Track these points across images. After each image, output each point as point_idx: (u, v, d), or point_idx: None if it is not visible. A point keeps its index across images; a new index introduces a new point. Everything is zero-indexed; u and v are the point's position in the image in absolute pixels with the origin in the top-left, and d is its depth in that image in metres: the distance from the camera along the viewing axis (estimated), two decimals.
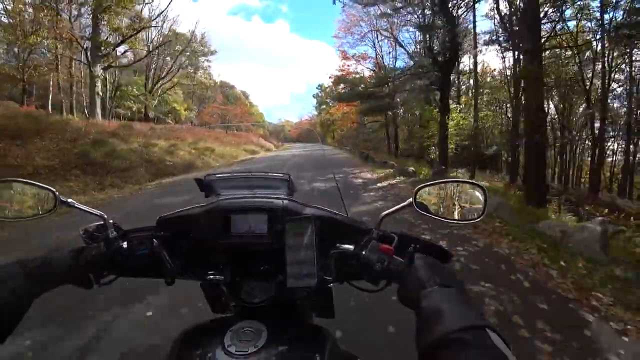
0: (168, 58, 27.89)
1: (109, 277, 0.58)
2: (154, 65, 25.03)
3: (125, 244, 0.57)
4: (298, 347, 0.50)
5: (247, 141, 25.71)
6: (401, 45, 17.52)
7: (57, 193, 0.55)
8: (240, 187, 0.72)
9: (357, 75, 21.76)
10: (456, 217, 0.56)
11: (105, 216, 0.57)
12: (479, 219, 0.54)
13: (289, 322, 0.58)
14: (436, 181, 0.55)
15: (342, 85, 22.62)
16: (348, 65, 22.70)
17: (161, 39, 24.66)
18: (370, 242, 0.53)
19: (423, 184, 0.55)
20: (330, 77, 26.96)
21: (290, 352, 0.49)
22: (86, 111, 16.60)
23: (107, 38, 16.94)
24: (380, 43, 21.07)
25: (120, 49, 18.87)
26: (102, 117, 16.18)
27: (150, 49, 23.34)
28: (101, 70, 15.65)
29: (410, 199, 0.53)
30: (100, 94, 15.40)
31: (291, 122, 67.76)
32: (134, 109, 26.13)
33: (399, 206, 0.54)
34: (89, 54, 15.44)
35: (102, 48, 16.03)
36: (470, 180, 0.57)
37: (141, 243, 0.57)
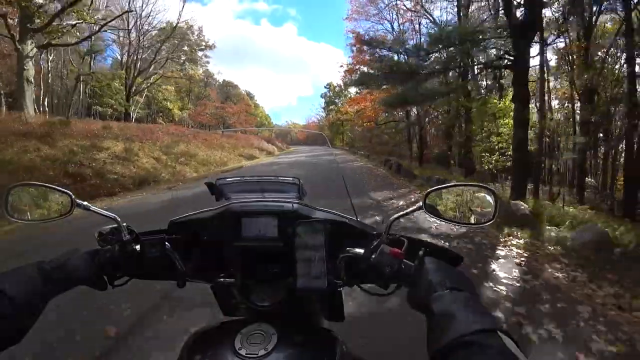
0: (161, 50, 24.05)
1: (123, 278, 0.61)
2: (135, 57, 21.46)
3: (138, 247, 0.60)
4: (308, 351, 0.52)
5: (246, 144, 23.65)
6: (433, 21, 13.36)
7: (73, 196, 0.59)
8: (250, 190, 0.75)
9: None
10: (466, 220, 0.58)
11: (119, 219, 0.60)
12: (489, 223, 0.57)
13: (299, 325, 0.60)
14: (446, 185, 0.58)
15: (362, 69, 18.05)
16: (364, 52, 18.75)
17: (148, 28, 21.11)
18: (380, 246, 0.56)
19: (433, 188, 0.57)
20: (341, 66, 25.30)
21: (299, 356, 0.51)
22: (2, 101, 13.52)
23: (43, 5, 12.54)
24: (400, 26, 16.98)
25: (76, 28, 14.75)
26: (67, 113, 12.25)
27: (132, 36, 19.83)
28: (34, 49, 11.81)
29: (420, 202, 0.56)
30: (32, 80, 11.65)
31: (298, 124, 64.71)
32: (115, 107, 22.53)
33: (409, 210, 0.57)
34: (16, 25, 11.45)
35: (36, 18, 11.82)
36: (479, 184, 0.59)
37: (153, 246, 0.60)
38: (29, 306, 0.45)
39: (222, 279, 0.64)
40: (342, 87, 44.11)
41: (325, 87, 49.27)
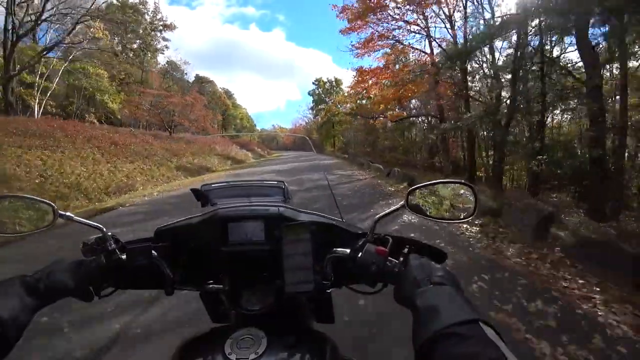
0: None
1: (109, 289, 0.61)
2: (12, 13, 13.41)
3: (124, 256, 0.60)
4: (298, 353, 0.52)
5: (202, 150, 17.79)
6: None
7: (55, 207, 0.58)
8: (236, 195, 0.75)
9: None
10: (448, 216, 0.60)
11: (104, 229, 0.60)
12: (470, 218, 0.59)
13: (289, 328, 0.60)
14: (427, 183, 0.59)
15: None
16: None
17: None
18: (366, 245, 0.57)
19: (415, 186, 0.59)
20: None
21: (290, 358, 0.51)
22: None
23: None
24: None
25: None
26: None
27: None
28: None
29: (403, 202, 0.57)
30: None
31: (286, 128, 58.32)
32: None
33: (392, 209, 0.58)
34: None
35: None
36: (459, 180, 0.61)
37: (140, 254, 0.60)
38: (13, 321, 0.44)
39: (210, 286, 0.64)
40: (334, 82, 37.58)
41: (313, 84, 43.36)
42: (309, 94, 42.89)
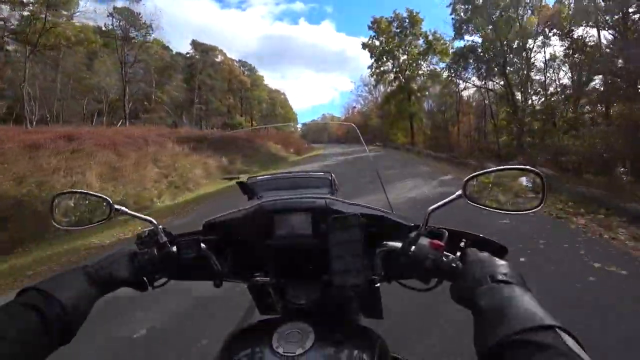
0: None
1: (162, 279, 0.63)
2: None
3: (174, 248, 0.61)
4: (345, 349, 0.51)
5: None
6: None
7: (111, 202, 0.62)
8: (282, 188, 0.75)
9: None
10: (511, 207, 0.55)
11: (156, 222, 0.62)
12: (537, 208, 0.52)
13: (336, 323, 0.59)
14: (487, 170, 0.55)
15: None
16: None
17: None
18: (419, 239, 0.54)
19: (473, 174, 0.54)
20: None
21: (337, 354, 0.51)
22: None
23: None
24: None
25: None
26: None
27: None
28: None
29: (460, 191, 0.53)
30: None
31: (338, 117, 45.89)
32: None
33: (448, 199, 0.54)
34: None
35: None
36: (525, 167, 0.54)
37: (189, 247, 0.61)
38: (77, 308, 0.47)
39: (257, 278, 0.64)
40: (407, 20, 22.31)
41: (369, 28, 24.51)
42: (363, 47, 24.35)
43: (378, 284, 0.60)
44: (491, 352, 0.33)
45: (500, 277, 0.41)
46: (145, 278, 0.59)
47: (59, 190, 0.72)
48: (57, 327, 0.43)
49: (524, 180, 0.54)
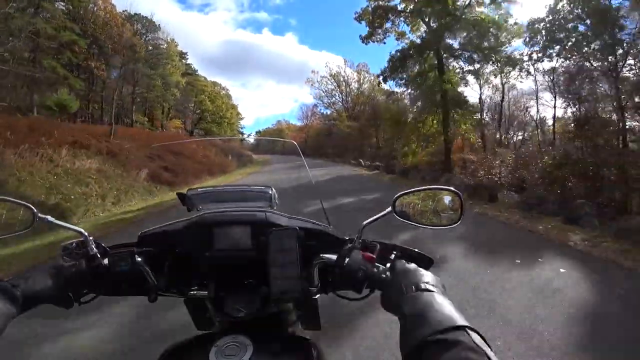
0: None
1: (90, 295, 0.60)
2: None
3: (106, 261, 0.58)
4: (284, 359, 0.52)
5: None
6: None
7: (34, 209, 0.57)
8: (222, 200, 0.74)
9: None
10: (434, 222, 0.61)
11: (85, 233, 0.58)
12: (456, 224, 0.59)
13: (275, 335, 0.60)
14: (414, 189, 0.60)
15: None
16: None
17: None
18: (352, 251, 0.57)
19: (402, 192, 0.59)
20: None
21: None
22: None
23: None
24: None
25: None
26: None
27: None
28: None
29: (390, 208, 0.58)
30: None
31: (294, 125, 45.07)
32: None
33: (379, 215, 0.58)
34: None
35: None
36: (447, 187, 0.61)
37: (122, 260, 0.58)
38: None
39: (195, 292, 0.63)
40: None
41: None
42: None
43: (316, 296, 0.62)
44: (412, 352, 0.37)
45: (423, 286, 0.45)
46: (70, 294, 0.55)
47: None
48: None
49: (446, 199, 0.60)
